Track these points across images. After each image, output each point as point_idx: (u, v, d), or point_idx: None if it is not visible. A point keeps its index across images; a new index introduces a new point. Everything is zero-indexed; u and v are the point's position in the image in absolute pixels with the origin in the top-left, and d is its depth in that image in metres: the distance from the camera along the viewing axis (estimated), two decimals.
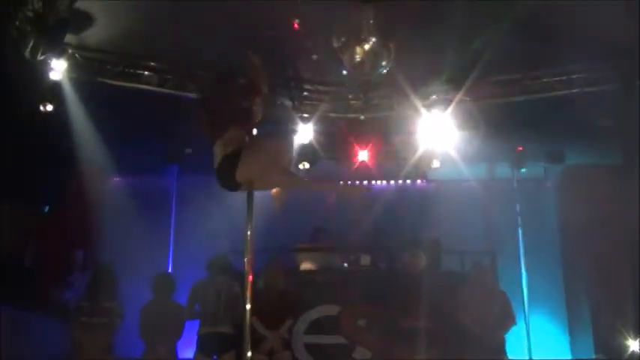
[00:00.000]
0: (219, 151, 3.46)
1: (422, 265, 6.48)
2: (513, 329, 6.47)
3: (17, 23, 5.67)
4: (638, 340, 6.08)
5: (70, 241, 7.56)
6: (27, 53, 5.88)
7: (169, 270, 7.78)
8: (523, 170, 8.40)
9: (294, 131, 7.12)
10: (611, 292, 7.34)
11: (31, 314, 6.09)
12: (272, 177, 3.62)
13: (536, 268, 8.50)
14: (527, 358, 7.81)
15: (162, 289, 6.20)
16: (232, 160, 3.40)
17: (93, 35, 6.19)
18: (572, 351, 8.03)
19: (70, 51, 6.25)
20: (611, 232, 7.47)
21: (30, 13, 5.67)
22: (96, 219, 7.79)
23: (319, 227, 8.19)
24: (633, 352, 6.04)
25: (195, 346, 6.08)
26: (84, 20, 5.95)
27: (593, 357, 7.09)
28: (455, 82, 6.75)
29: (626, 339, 6.14)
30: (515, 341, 7.46)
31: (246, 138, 3.58)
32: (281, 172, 3.62)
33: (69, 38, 6.06)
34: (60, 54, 6.02)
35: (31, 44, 5.85)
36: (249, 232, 4.00)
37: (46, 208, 7.70)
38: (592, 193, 7.88)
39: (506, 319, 6.27)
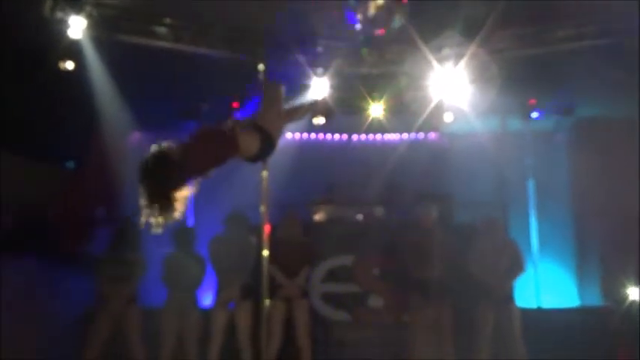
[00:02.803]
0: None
1: (433, 215, 6.48)
2: (523, 278, 6.50)
3: None
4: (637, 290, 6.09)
5: (94, 195, 7.63)
6: (46, 11, 5.85)
7: (189, 223, 7.86)
8: (535, 118, 8.30)
9: (308, 87, 7.06)
10: (619, 243, 7.34)
11: (57, 267, 6.19)
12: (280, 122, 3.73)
13: (546, 219, 8.47)
14: (536, 306, 7.86)
15: (182, 242, 6.24)
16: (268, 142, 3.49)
17: None
18: (580, 298, 8.07)
19: (87, 8, 6.18)
20: (621, 185, 7.43)
21: None
22: (117, 174, 7.82)
23: (334, 182, 8.21)
24: (634, 300, 6.06)
25: (214, 293, 6.17)
26: None
27: (600, 305, 7.16)
28: (467, 36, 6.64)
29: (628, 288, 6.15)
30: (524, 289, 7.54)
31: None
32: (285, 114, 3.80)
33: None
34: (78, 11, 5.97)
35: (49, 2, 5.82)
36: (264, 184, 4.05)
37: (70, 164, 7.76)
38: (603, 146, 7.82)
39: (516, 269, 6.29)
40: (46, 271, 5.99)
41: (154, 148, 2.94)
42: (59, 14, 5.90)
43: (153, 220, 2.93)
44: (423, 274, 6.11)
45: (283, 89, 3.92)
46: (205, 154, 3.15)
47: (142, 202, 2.92)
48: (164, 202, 2.91)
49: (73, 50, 6.26)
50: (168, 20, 6.57)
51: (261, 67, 4.66)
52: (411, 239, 6.52)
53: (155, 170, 2.90)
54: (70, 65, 6.29)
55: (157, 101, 7.24)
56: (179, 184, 2.95)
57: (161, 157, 2.91)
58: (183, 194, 2.99)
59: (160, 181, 2.90)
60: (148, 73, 6.83)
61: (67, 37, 6.07)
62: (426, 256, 6.16)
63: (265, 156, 3.65)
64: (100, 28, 6.33)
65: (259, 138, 3.44)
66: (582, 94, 7.73)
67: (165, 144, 2.96)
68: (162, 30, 6.57)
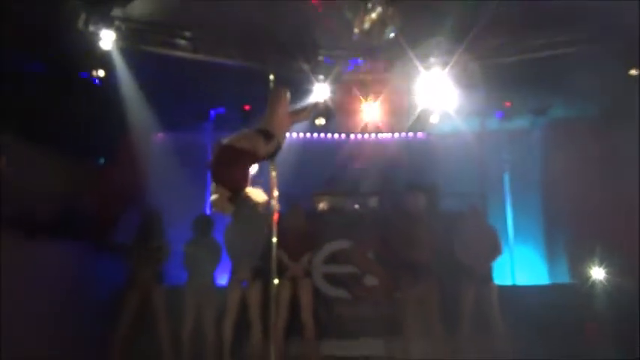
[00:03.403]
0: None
1: (421, 204, 6.42)
2: (500, 259, 6.46)
3: None
4: (599, 269, 6.07)
5: (122, 189, 7.58)
6: (79, 25, 5.81)
7: (207, 212, 7.82)
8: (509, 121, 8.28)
9: (311, 91, 7.02)
10: (584, 229, 7.32)
11: (91, 252, 6.17)
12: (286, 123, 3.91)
13: (520, 207, 8.49)
14: (512, 283, 7.86)
15: (201, 229, 6.21)
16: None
17: (136, 9, 6.06)
18: (550, 277, 8.05)
19: (116, 23, 6.13)
20: (586, 177, 7.39)
21: None
22: (143, 170, 7.80)
23: (333, 176, 8.18)
24: (596, 279, 6.03)
25: (229, 274, 6.15)
26: None
27: (568, 282, 7.14)
28: (452, 46, 6.59)
29: (592, 268, 6.12)
30: (501, 269, 7.53)
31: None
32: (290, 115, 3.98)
33: (115, 12, 5.97)
34: (108, 25, 5.94)
35: (83, 17, 5.79)
36: (273, 180, 4.03)
37: (101, 161, 7.72)
38: (572, 143, 7.77)
39: (495, 251, 6.26)
40: (81, 255, 5.97)
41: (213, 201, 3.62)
42: (92, 28, 5.89)
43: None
44: (412, 257, 6.07)
45: (288, 94, 3.89)
46: (233, 173, 3.57)
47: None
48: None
49: (104, 60, 6.26)
50: (187, 33, 6.57)
51: (269, 74, 4.63)
52: (402, 225, 6.49)
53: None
54: (101, 73, 6.29)
55: (177, 105, 7.23)
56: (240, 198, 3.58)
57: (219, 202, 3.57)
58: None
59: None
60: (170, 80, 6.83)
61: (99, 48, 6.06)
62: (415, 241, 6.12)
63: (272, 156, 3.67)
64: (127, 40, 6.33)
65: (264, 140, 3.45)
66: (555, 96, 7.70)
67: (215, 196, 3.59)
68: (182, 42, 6.56)
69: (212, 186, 3.60)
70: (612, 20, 6.09)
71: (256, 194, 3.68)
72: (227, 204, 3.51)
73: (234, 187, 3.49)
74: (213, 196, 3.56)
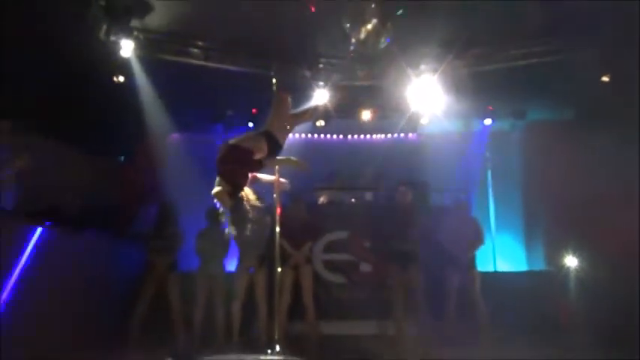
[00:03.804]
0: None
1: (409, 198, 6.43)
2: (483, 248, 6.50)
3: (93, 11, 5.60)
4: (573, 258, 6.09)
5: (140, 184, 7.61)
6: (101, 35, 5.82)
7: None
8: (491, 123, 8.30)
9: (311, 96, 7.02)
10: (558, 219, 7.34)
11: (113, 240, 6.20)
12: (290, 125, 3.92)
13: (501, 201, 8.54)
14: (493, 269, 7.90)
15: (212, 219, 6.22)
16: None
17: (153, 20, 6.05)
18: (528, 264, 8.09)
19: (135, 33, 6.14)
20: (562, 174, 7.41)
21: (102, 2, 5.59)
22: (159, 166, 7.82)
23: (332, 173, 8.19)
24: (570, 266, 6.06)
25: (237, 261, 6.19)
26: (145, 8, 5.82)
27: (544, 269, 7.18)
28: (441, 55, 6.59)
29: (566, 257, 6.15)
30: (484, 257, 7.55)
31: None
32: (292, 117, 3.96)
33: (134, 23, 5.97)
34: (127, 35, 5.94)
35: (104, 28, 5.79)
36: (276, 176, 4.06)
37: (121, 159, 7.75)
38: (548, 143, 7.79)
39: (477, 241, 6.29)
40: (104, 243, 6.00)
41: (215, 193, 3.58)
42: (112, 38, 5.88)
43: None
44: (403, 245, 6.08)
45: (290, 99, 3.90)
46: (237, 170, 3.58)
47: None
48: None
49: (124, 67, 6.26)
50: (200, 43, 6.55)
51: (273, 80, 4.64)
52: (394, 217, 6.51)
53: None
54: (121, 79, 6.29)
55: (191, 108, 7.23)
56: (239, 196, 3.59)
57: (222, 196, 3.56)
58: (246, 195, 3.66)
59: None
60: (184, 86, 6.83)
61: (119, 56, 6.06)
62: (406, 231, 6.14)
63: (273, 155, 3.68)
64: (145, 49, 6.32)
65: (266, 141, 3.48)
66: (533, 101, 7.71)
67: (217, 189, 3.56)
68: (195, 51, 6.55)
69: (216, 180, 3.63)
70: (586, 32, 6.11)
71: (251, 196, 3.71)
72: (226, 197, 3.54)
73: (234, 183, 3.51)
74: (216, 189, 3.58)
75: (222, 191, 3.52)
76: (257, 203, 3.71)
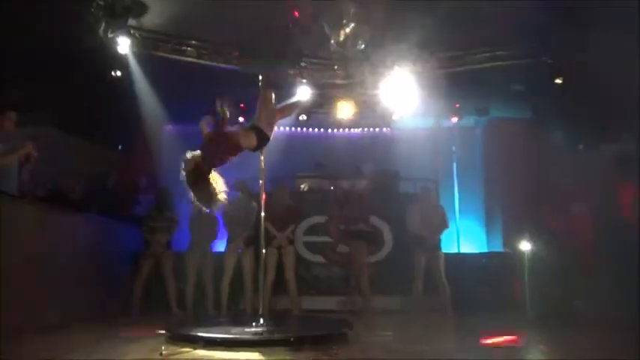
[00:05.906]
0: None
1: (367, 188, 6.70)
2: (447, 231, 6.62)
3: (93, 10, 5.55)
4: (527, 242, 6.21)
5: (139, 171, 7.60)
6: (100, 33, 5.78)
7: None
8: (458, 120, 8.43)
9: (295, 92, 7.04)
10: (515, 207, 7.51)
11: (113, 222, 6.20)
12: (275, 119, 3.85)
13: (465, 190, 8.69)
14: (457, 251, 8.07)
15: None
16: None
17: (148, 20, 6.04)
18: (488, 246, 8.27)
19: (132, 31, 6.10)
20: (520, 167, 7.60)
21: (102, 2, 5.55)
22: (155, 155, 7.80)
23: (318, 162, 8.22)
24: (523, 250, 6.18)
25: (225, 243, 6.25)
26: (142, 8, 5.80)
27: (502, 251, 7.33)
28: (413, 57, 6.63)
29: (521, 240, 6.25)
30: (449, 239, 7.73)
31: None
32: (277, 111, 3.90)
33: (131, 22, 5.93)
34: (124, 33, 5.90)
35: (103, 26, 5.75)
36: (262, 163, 4.12)
37: (120, 147, 7.71)
38: (508, 138, 7.98)
39: (442, 225, 6.38)
40: (106, 225, 6.01)
41: (186, 156, 3.35)
42: (110, 35, 5.83)
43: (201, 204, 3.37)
44: (375, 229, 6.18)
45: (274, 95, 3.92)
46: (218, 153, 3.43)
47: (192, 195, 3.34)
48: (203, 188, 3.30)
49: (121, 62, 6.22)
50: (192, 42, 6.54)
51: (260, 77, 4.65)
52: (367, 203, 6.61)
53: (190, 171, 3.31)
54: (119, 74, 6.24)
55: (184, 102, 7.20)
56: (206, 174, 3.34)
57: (190, 161, 3.32)
58: (215, 179, 3.38)
59: (194, 175, 3.30)
60: (178, 81, 6.80)
61: (117, 52, 6.01)
62: (378, 216, 6.22)
63: (261, 147, 3.71)
64: (141, 46, 6.29)
65: (256, 135, 3.51)
66: (494, 99, 7.83)
67: (191, 154, 3.36)
68: (188, 49, 6.53)
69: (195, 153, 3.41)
70: (542, 39, 6.27)
71: (218, 182, 3.42)
72: (191, 168, 3.31)
73: (207, 160, 3.36)
74: (188, 154, 3.37)
75: (192, 159, 3.33)
76: (222, 193, 3.41)
